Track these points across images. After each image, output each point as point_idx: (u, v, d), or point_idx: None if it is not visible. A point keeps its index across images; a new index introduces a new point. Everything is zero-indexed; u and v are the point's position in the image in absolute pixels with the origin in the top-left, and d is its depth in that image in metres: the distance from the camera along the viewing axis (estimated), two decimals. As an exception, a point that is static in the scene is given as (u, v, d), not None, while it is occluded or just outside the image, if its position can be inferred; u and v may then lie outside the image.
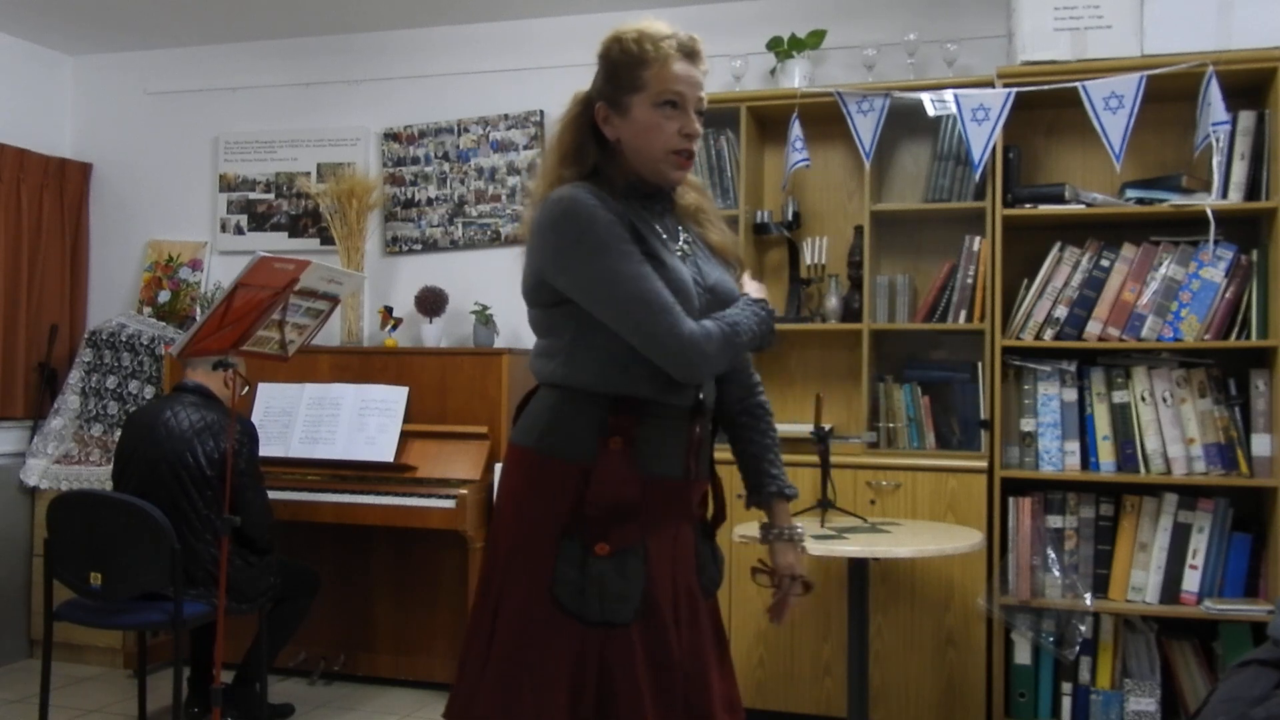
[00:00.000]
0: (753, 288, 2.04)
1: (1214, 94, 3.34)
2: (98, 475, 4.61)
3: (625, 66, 1.93)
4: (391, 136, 4.88)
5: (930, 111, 3.64)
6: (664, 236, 1.97)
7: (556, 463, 1.90)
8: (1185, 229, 3.60)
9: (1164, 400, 3.57)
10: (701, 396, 1.96)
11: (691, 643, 1.96)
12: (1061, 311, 3.65)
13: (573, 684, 1.86)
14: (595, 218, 1.86)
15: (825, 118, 3.93)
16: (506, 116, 4.71)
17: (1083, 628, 3.55)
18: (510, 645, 1.89)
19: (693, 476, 1.98)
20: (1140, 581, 3.57)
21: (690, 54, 1.94)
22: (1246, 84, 3.58)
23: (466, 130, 4.77)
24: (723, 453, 2.07)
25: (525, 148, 4.68)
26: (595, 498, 1.87)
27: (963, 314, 3.85)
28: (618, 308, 1.85)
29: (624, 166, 1.97)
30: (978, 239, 3.83)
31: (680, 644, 1.93)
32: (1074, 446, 3.64)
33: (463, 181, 4.78)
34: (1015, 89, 3.53)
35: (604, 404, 1.89)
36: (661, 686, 1.89)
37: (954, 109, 3.55)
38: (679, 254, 1.98)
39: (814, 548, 2.99)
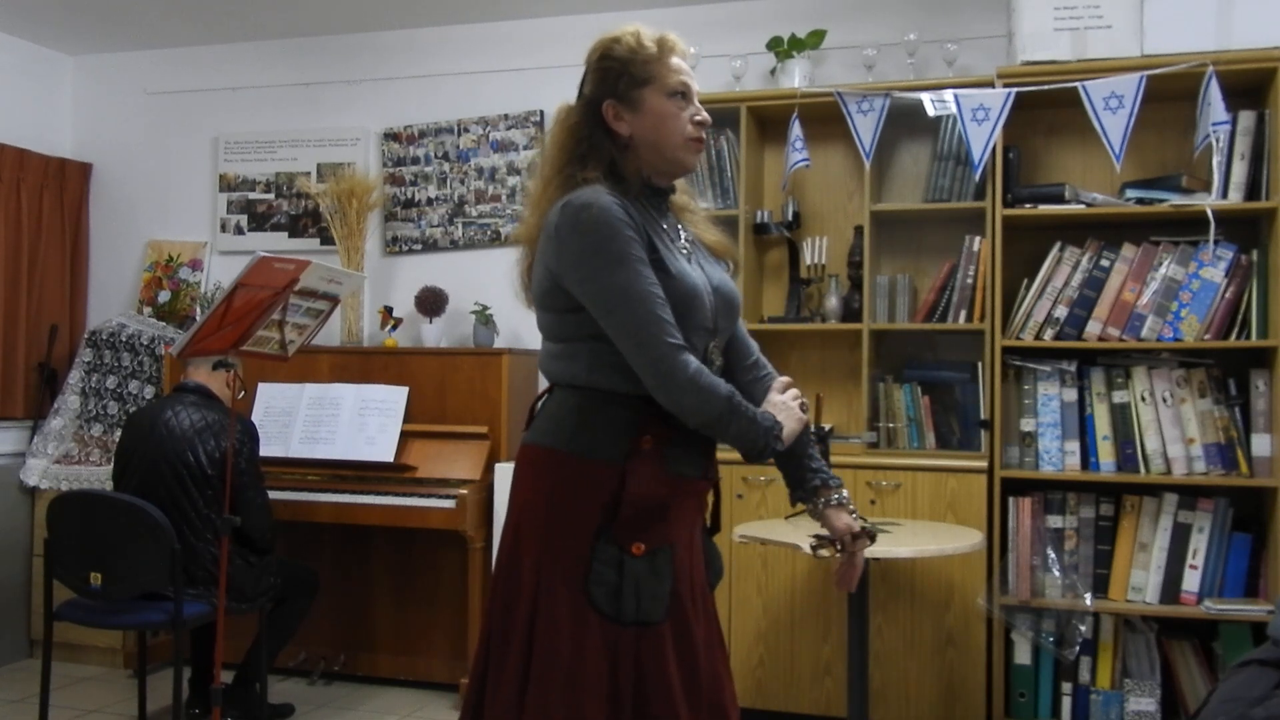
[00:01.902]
0: (783, 397, 2.02)
1: (1214, 94, 3.34)
2: (98, 475, 4.61)
3: (633, 63, 1.99)
4: (391, 136, 4.88)
5: (930, 111, 3.64)
6: (673, 239, 2.00)
7: (591, 463, 1.90)
8: (1185, 229, 3.60)
9: (1164, 400, 3.57)
10: None
11: (708, 639, 1.99)
12: (1061, 311, 3.64)
13: (611, 686, 1.86)
14: (618, 230, 1.87)
15: (825, 118, 3.93)
16: (506, 116, 4.71)
17: (1083, 628, 3.55)
18: (550, 650, 1.87)
19: (707, 477, 2.03)
20: (1140, 581, 3.57)
21: (681, 51, 2.04)
22: (1246, 84, 3.58)
23: (466, 130, 4.77)
24: (723, 453, 2.06)
25: (525, 148, 4.68)
26: (632, 497, 1.88)
27: (963, 314, 3.85)
28: (623, 324, 1.86)
29: (636, 164, 2.00)
30: (978, 239, 3.83)
31: (702, 641, 1.97)
32: (1074, 446, 3.64)
33: (463, 181, 4.78)
34: (1015, 89, 3.53)
35: (631, 404, 1.91)
36: (689, 684, 1.91)
37: (954, 109, 3.55)
38: (684, 253, 2.00)
39: (814, 548, 2.99)
